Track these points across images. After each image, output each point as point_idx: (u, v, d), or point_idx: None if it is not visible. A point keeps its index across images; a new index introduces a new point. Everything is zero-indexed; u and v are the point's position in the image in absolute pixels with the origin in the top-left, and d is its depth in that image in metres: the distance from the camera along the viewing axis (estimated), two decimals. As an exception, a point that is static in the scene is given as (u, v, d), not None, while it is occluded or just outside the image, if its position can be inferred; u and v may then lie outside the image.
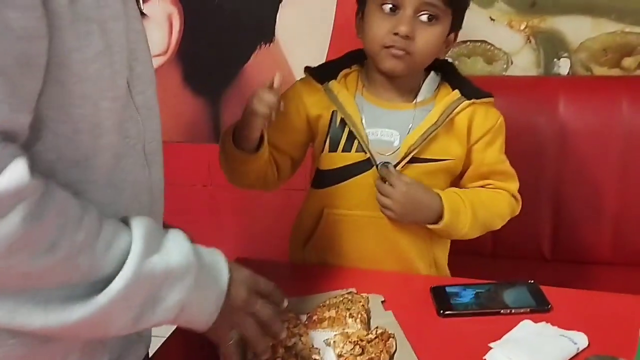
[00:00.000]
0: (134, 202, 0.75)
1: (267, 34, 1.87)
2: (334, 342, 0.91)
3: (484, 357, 0.88)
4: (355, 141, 1.15)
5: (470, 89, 1.18)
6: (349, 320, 0.96)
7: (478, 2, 1.71)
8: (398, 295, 1.07)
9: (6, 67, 0.55)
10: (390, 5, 1.07)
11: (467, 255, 1.35)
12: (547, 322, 0.95)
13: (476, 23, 1.73)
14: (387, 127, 1.16)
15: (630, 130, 1.60)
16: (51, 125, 0.62)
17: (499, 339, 0.92)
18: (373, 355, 0.87)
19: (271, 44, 1.87)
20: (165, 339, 0.97)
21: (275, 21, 1.85)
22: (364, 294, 1.04)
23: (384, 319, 0.98)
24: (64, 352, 0.69)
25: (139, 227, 0.68)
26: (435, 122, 1.13)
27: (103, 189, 0.69)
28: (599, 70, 1.72)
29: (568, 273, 1.59)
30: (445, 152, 1.16)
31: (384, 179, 1.13)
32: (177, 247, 0.71)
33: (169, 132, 2.12)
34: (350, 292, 1.05)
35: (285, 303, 0.86)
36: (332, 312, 0.97)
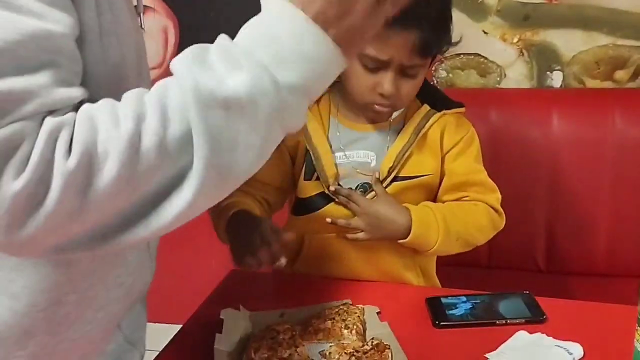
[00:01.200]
0: (139, 272, 0.78)
1: (262, 46, 1.88)
2: (330, 353, 0.91)
3: (479, 368, 0.88)
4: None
5: (440, 100, 1.17)
6: (345, 332, 0.96)
7: (471, 16, 1.74)
8: (393, 306, 1.07)
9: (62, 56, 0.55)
10: (372, 66, 1.05)
11: (462, 266, 1.36)
12: (542, 332, 0.95)
13: (470, 36, 1.75)
14: (363, 148, 1.16)
15: (622, 142, 1.62)
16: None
17: (495, 349, 0.92)
18: (368, 366, 0.87)
19: (266, 57, 1.88)
20: (158, 352, 0.96)
21: (270, 34, 1.86)
22: (360, 305, 1.04)
23: (379, 330, 0.98)
24: None
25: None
26: (408, 140, 1.13)
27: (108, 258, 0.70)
28: (592, 83, 1.74)
29: (563, 284, 1.60)
30: (422, 167, 1.15)
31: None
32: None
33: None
34: (345, 304, 1.05)
35: None
36: (328, 324, 0.97)
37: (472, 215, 1.13)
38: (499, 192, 1.17)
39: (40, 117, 0.51)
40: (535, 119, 1.68)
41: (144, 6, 1.85)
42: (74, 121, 0.52)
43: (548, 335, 0.95)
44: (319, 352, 0.93)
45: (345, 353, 0.89)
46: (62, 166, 0.50)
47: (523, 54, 1.75)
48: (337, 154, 1.15)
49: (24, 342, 0.65)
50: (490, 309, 1.03)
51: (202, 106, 0.52)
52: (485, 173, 1.17)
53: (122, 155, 0.51)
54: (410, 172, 1.15)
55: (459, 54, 1.77)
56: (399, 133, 1.15)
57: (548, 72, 1.75)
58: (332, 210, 1.15)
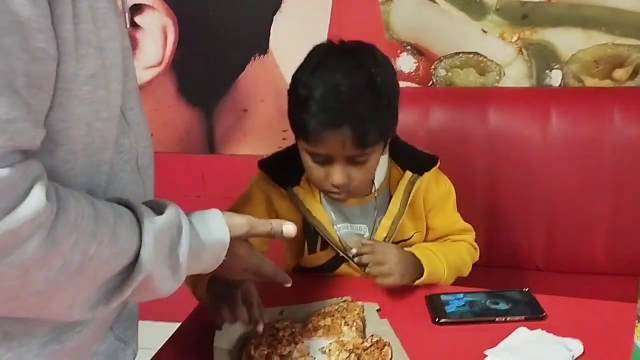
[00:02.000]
0: None
1: (261, 45, 1.88)
2: (330, 350, 0.91)
3: (479, 365, 0.88)
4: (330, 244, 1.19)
5: (418, 160, 1.21)
6: (345, 329, 0.95)
7: (470, 15, 1.73)
8: (393, 303, 1.07)
9: (23, 86, 0.55)
10: (319, 159, 1.07)
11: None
12: (542, 329, 0.96)
13: (469, 35, 1.75)
14: (355, 221, 1.20)
15: (621, 140, 1.61)
16: (52, 147, 0.62)
17: (494, 346, 0.92)
18: (368, 363, 0.87)
19: (265, 55, 1.89)
20: (156, 351, 0.96)
21: (269, 32, 1.86)
22: (359, 302, 1.04)
23: (379, 327, 0.98)
24: None
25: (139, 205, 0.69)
26: (398, 211, 1.17)
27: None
28: (591, 82, 1.74)
29: (561, 283, 1.60)
30: (411, 229, 1.21)
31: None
32: (171, 206, 0.72)
33: (162, 142, 2.13)
34: (345, 301, 1.05)
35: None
36: (328, 321, 0.97)
37: (458, 252, 1.22)
38: (473, 231, 1.27)
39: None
40: (534, 117, 1.68)
41: (143, 5, 1.85)
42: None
43: (548, 332, 0.95)
44: (319, 349, 0.93)
45: (346, 350, 0.89)
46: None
47: (522, 53, 1.75)
48: (335, 226, 1.20)
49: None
50: (490, 306, 1.03)
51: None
52: (461, 218, 1.26)
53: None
54: (401, 237, 1.21)
55: (457, 53, 1.77)
56: (385, 202, 1.19)
57: (547, 71, 1.75)
58: (346, 270, 1.22)
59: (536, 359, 0.87)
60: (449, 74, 1.80)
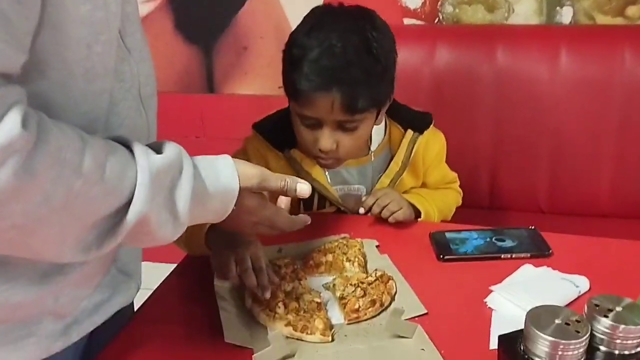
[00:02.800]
0: None
1: (261, -21, 1.81)
2: (334, 285, 0.90)
3: (484, 300, 0.87)
4: (327, 200, 1.19)
5: (417, 119, 1.20)
6: (347, 264, 0.94)
7: (480, -52, 1.66)
8: (393, 240, 1.06)
9: (1, 3, 0.51)
10: (309, 122, 1.06)
11: (463, 207, 1.34)
12: (548, 266, 0.95)
13: (477, -31, 1.68)
14: (351, 182, 1.20)
15: (631, 80, 1.57)
16: (45, 71, 0.59)
17: (500, 282, 0.91)
18: (375, 296, 0.86)
19: (265, -10, 1.82)
20: (152, 291, 0.95)
21: (270, -35, 1.79)
22: (358, 239, 1.03)
23: (380, 263, 0.97)
24: (54, 295, 0.67)
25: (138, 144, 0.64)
26: (399, 169, 1.19)
27: (99, 134, 0.65)
28: (602, 19, 1.68)
29: (564, 225, 1.58)
30: (408, 185, 1.22)
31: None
32: (172, 147, 0.67)
33: (160, 81, 2.06)
34: (344, 237, 1.03)
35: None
36: (329, 257, 0.96)
37: (446, 198, 1.28)
38: (457, 179, 1.32)
39: None
40: (543, 56, 1.63)
41: None
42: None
43: (554, 269, 0.94)
44: (322, 285, 0.92)
45: (351, 284, 0.88)
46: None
47: (532, -11, 1.68)
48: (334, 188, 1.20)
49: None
50: (496, 244, 1.01)
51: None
52: (448, 168, 1.30)
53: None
54: (399, 191, 1.20)
55: (466, -12, 1.71)
56: (384, 161, 1.20)
57: (557, 8, 1.69)
58: None
59: (542, 294, 0.86)
60: (457, 10, 1.74)
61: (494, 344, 0.78)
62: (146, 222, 0.61)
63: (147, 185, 0.60)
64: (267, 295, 0.84)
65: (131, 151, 0.62)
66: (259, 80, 1.90)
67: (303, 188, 0.79)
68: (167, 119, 2.00)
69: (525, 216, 1.66)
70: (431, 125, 1.21)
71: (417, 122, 1.20)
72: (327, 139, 1.05)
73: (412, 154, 1.18)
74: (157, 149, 0.65)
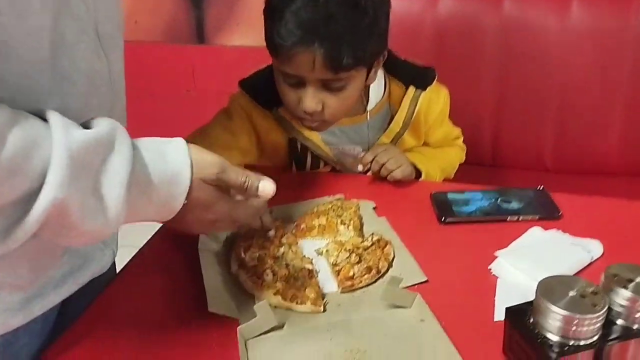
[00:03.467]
0: (91, 95, 0.63)
1: None
2: (327, 250, 0.84)
3: (488, 267, 0.81)
4: (321, 160, 1.12)
5: (419, 75, 1.12)
6: (341, 228, 0.88)
7: None
8: (392, 202, 0.99)
9: None
10: (292, 81, 0.97)
11: (464, 164, 1.27)
12: (557, 229, 0.88)
13: None
14: (346, 142, 1.12)
15: (645, 31, 1.48)
16: None
17: (505, 247, 0.84)
18: (371, 263, 0.80)
19: None
20: (138, 249, 0.89)
21: None
22: (354, 200, 0.96)
23: (377, 226, 0.91)
24: (10, 267, 0.60)
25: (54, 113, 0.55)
26: (400, 128, 1.11)
27: (47, 81, 0.57)
28: (617, -36, 1.57)
29: (572, 184, 1.51)
30: (408, 145, 1.15)
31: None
32: (106, 122, 0.58)
33: (146, 30, 1.98)
34: (339, 199, 0.97)
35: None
36: (322, 220, 0.89)
37: (448, 156, 1.21)
38: (461, 134, 1.25)
39: None
40: (552, 5, 1.54)
41: None
42: None
43: (563, 232, 0.87)
44: (315, 250, 0.85)
45: (345, 250, 0.82)
46: None
47: None
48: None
49: None
50: (501, 205, 0.95)
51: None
52: (451, 124, 1.22)
53: None
54: None
55: None
56: (384, 120, 1.12)
57: (570, -48, 1.58)
58: None
59: (551, 260, 0.80)
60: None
61: (499, 315, 0.72)
62: (65, 211, 0.52)
63: (63, 166, 0.51)
64: (272, 233, 0.82)
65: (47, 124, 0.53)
66: (252, 31, 1.81)
67: (266, 187, 0.70)
68: (156, 71, 1.92)
69: (529, 174, 1.60)
70: (434, 81, 1.12)
71: (420, 78, 1.11)
72: (310, 99, 0.96)
73: (415, 112, 1.10)
74: (87, 125, 0.56)
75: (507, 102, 1.59)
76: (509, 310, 0.66)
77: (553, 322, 0.60)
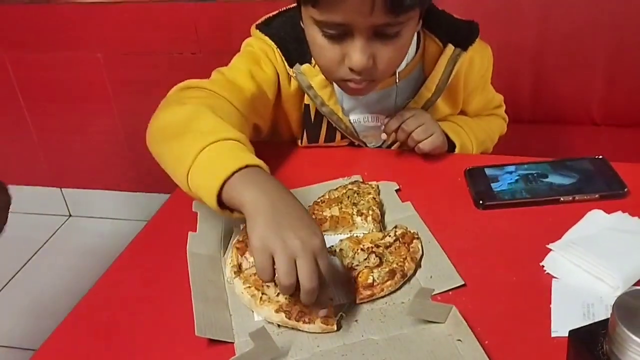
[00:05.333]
0: None
1: None
2: (341, 250, 0.69)
3: (540, 264, 0.66)
4: (337, 131, 0.95)
5: (459, 31, 0.92)
6: (358, 220, 0.73)
7: None
8: (419, 182, 0.84)
9: None
10: (334, 33, 0.76)
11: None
12: (623, 211, 0.72)
13: None
14: (369, 111, 0.96)
15: None
16: None
17: (559, 237, 0.69)
18: (394, 265, 0.65)
19: None
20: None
21: None
22: (373, 183, 0.81)
23: (402, 214, 0.76)
24: None
25: None
26: (434, 93, 0.93)
27: None
28: None
29: (624, 140, 1.34)
30: (442, 113, 0.98)
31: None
32: None
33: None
34: (355, 182, 0.82)
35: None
36: (335, 210, 0.75)
37: (488, 127, 1.05)
38: (503, 103, 1.09)
39: None
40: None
41: None
42: None
43: (632, 215, 0.71)
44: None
45: (362, 249, 0.67)
46: None
47: None
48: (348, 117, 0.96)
49: None
50: (552, 182, 0.79)
51: None
52: (493, 90, 1.06)
53: None
54: None
55: None
56: (415, 84, 0.94)
57: None
58: None
59: (620, 253, 0.64)
60: None
61: (557, 329, 0.58)
62: None
63: None
64: (323, 313, 0.62)
65: None
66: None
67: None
68: (157, 33, 1.77)
69: (575, 130, 1.43)
70: (477, 39, 0.92)
71: (461, 34, 0.92)
72: (362, 53, 0.77)
73: (452, 75, 0.91)
74: None
75: (548, 45, 1.40)
76: (573, 334, 0.51)
77: (636, 356, 0.45)
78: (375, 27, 0.76)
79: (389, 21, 0.75)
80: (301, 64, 0.89)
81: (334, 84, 0.90)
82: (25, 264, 1.97)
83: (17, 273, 1.93)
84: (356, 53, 0.77)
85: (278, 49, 0.88)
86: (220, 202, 0.66)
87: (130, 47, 1.82)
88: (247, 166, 0.66)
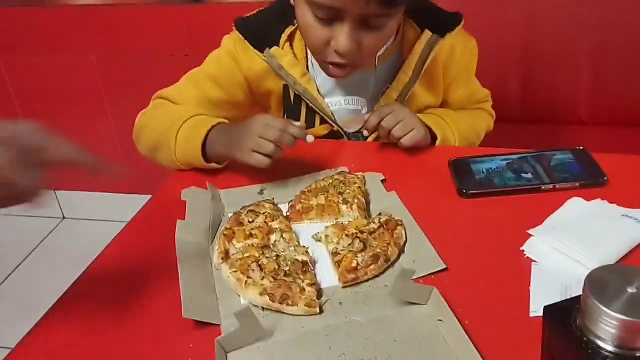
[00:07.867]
0: None
1: None
2: (326, 236, 0.71)
3: (520, 248, 0.68)
4: (317, 115, 0.98)
5: (439, 17, 0.95)
6: (343, 208, 0.75)
7: None
8: (403, 172, 0.86)
9: None
10: (325, 16, 0.81)
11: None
12: (602, 198, 0.74)
13: None
14: (348, 94, 0.99)
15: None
16: None
17: (541, 223, 0.71)
18: (378, 249, 0.67)
19: None
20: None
21: None
22: (359, 173, 0.83)
23: (386, 203, 0.78)
24: None
25: None
26: (410, 77, 0.95)
27: None
28: None
29: (612, 139, 1.36)
30: (422, 102, 1.00)
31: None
32: None
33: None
34: (341, 172, 0.83)
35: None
36: (321, 199, 0.76)
37: (473, 121, 1.05)
38: (490, 98, 1.10)
39: None
40: None
41: None
42: None
43: (610, 202, 0.73)
44: (312, 236, 0.73)
45: (347, 235, 0.69)
46: None
47: None
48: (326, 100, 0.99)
49: None
50: (533, 171, 0.80)
51: None
52: (479, 84, 1.07)
53: None
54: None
55: None
56: (393, 68, 0.96)
57: None
58: None
59: (598, 237, 0.66)
60: None
61: (535, 309, 0.59)
62: None
63: None
64: (310, 139, 0.79)
65: None
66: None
67: None
68: (150, 34, 1.78)
69: (562, 129, 1.45)
70: (459, 27, 0.95)
71: (440, 21, 0.94)
72: (347, 38, 0.81)
73: (428, 60, 0.94)
74: None
75: (535, 45, 1.42)
76: (548, 310, 0.53)
77: (606, 327, 0.47)
78: (365, 16, 0.80)
79: (380, 12, 0.79)
80: (270, 47, 0.93)
81: (309, 64, 0.95)
82: (18, 265, 1.98)
83: (9, 275, 1.94)
84: (343, 37, 0.81)
85: (246, 40, 0.93)
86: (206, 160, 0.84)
87: (123, 49, 1.83)
88: (212, 127, 0.84)
